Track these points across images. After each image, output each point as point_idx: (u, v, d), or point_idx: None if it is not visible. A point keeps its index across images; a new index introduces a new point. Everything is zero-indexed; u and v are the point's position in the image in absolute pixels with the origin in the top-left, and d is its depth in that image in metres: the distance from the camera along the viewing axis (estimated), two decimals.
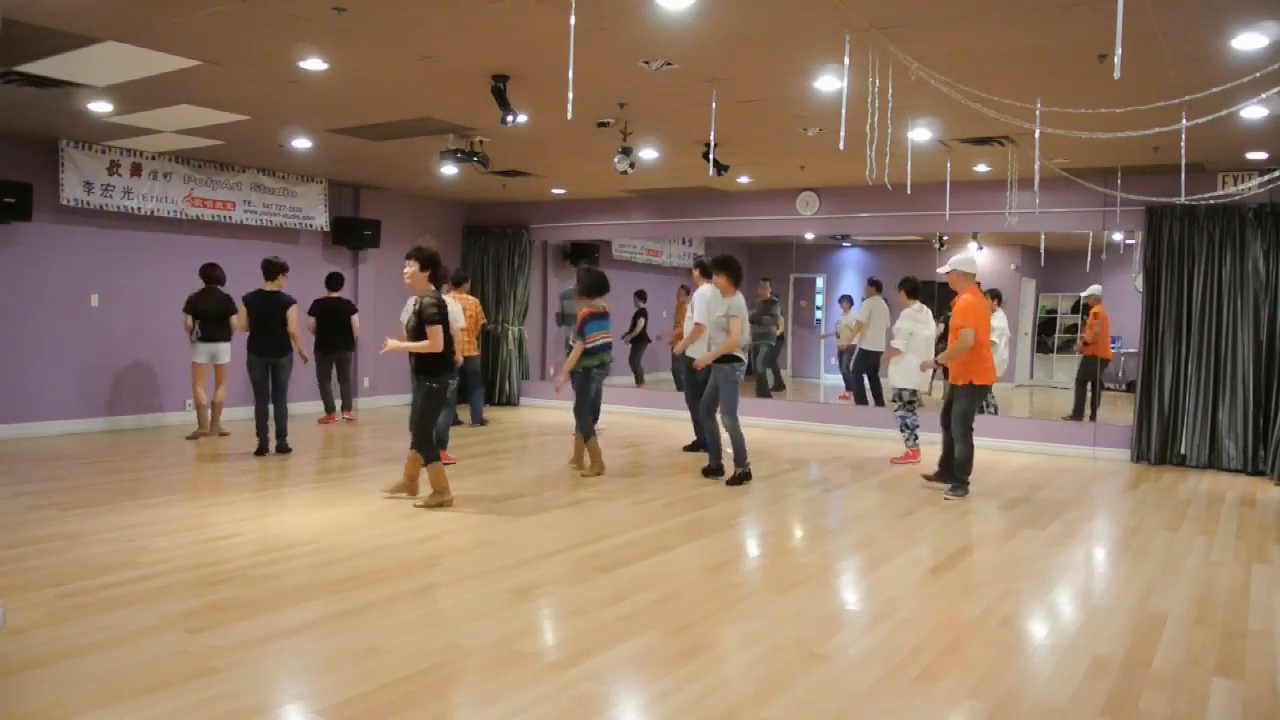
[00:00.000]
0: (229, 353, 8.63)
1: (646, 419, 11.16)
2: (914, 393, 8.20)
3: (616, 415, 11.29)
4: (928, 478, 7.24)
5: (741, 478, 7.02)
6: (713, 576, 4.71)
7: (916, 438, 8.32)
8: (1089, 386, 10.03)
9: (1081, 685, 3.39)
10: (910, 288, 8.19)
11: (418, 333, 5.87)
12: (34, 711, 2.97)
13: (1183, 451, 8.50)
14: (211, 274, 8.50)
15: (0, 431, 8.33)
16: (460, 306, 6.86)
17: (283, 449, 7.90)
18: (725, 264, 7.18)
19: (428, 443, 5.98)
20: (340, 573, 4.55)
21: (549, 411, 11.55)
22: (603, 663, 3.49)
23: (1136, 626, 4.06)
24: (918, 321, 8.06)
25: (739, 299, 7.13)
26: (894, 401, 8.39)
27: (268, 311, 7.85)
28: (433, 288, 5.92)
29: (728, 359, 6.98)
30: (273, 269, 8.01)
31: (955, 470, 6.76)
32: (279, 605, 4.04)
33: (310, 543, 5.09)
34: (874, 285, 10.80)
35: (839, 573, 4.89)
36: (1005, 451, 9.08)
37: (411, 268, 5.90)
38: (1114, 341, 10.71)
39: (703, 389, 7.34)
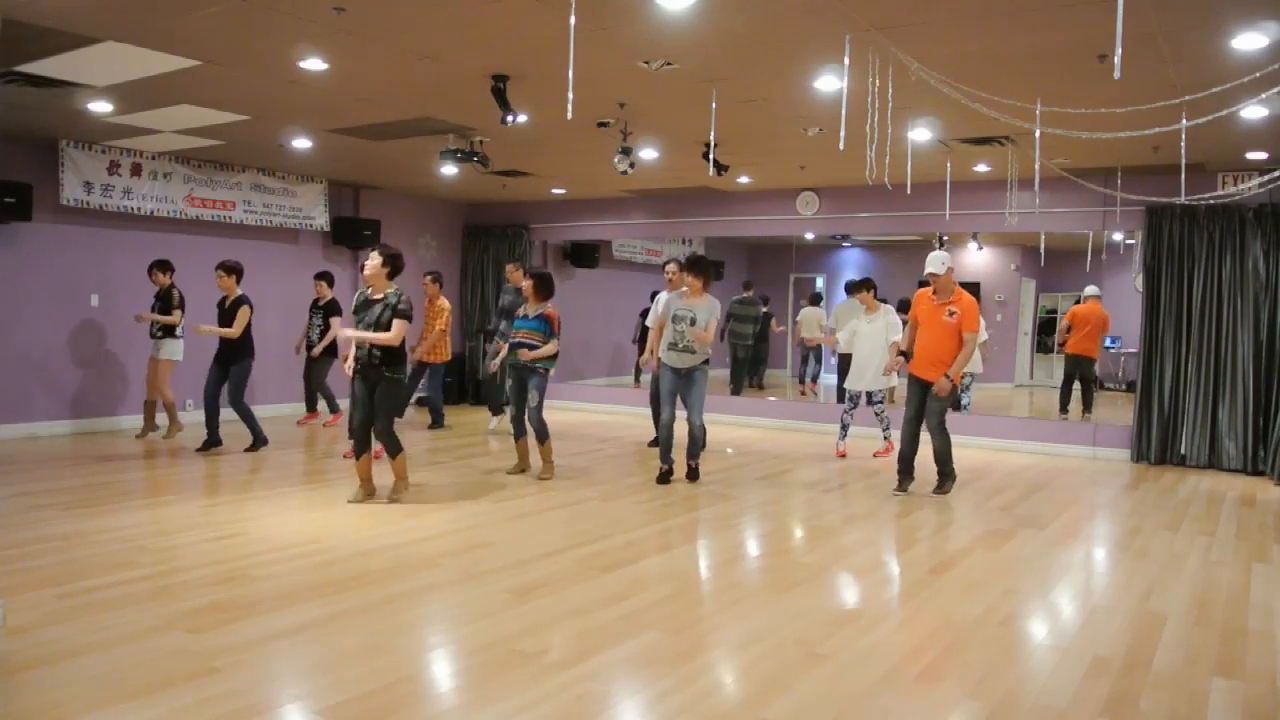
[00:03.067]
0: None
1: (643, 419, 11.14)
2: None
3: (617, 415, 11.30)
4: (900, 491, 6.83)
5: (668, 475, 7.07)
6: (713, 576, 4.70)
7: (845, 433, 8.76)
8: (1069, 382, 10.24)
9: (1081, 685, 3.39)
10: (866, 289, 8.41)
11: (386, 328, 5.84)
12: (34, 711, 2.97)
13: (1183, 451, 8.50)
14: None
15: (0, 431, 8.34)
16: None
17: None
18: (698, 264, 7.00)
19: (394, 435, 6.04)
20: (340, 573, 4.55)
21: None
22: (603, 663, 3.49)
23: (1136, 626, 4.06)
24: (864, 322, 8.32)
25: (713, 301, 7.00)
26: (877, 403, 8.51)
27: None
28: (394, 285, 5.99)
29: (706, 360, 6.96)
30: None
31: (941, 463, 6.74)
32: (279, 605, 4.04)
33: (310, 543, 5.09)
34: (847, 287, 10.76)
35: (839, 573, 4.89)
36: (1005, 451, 9.08)
37: (375, 262, 5.90)
38: (1114, 341, 10.70)
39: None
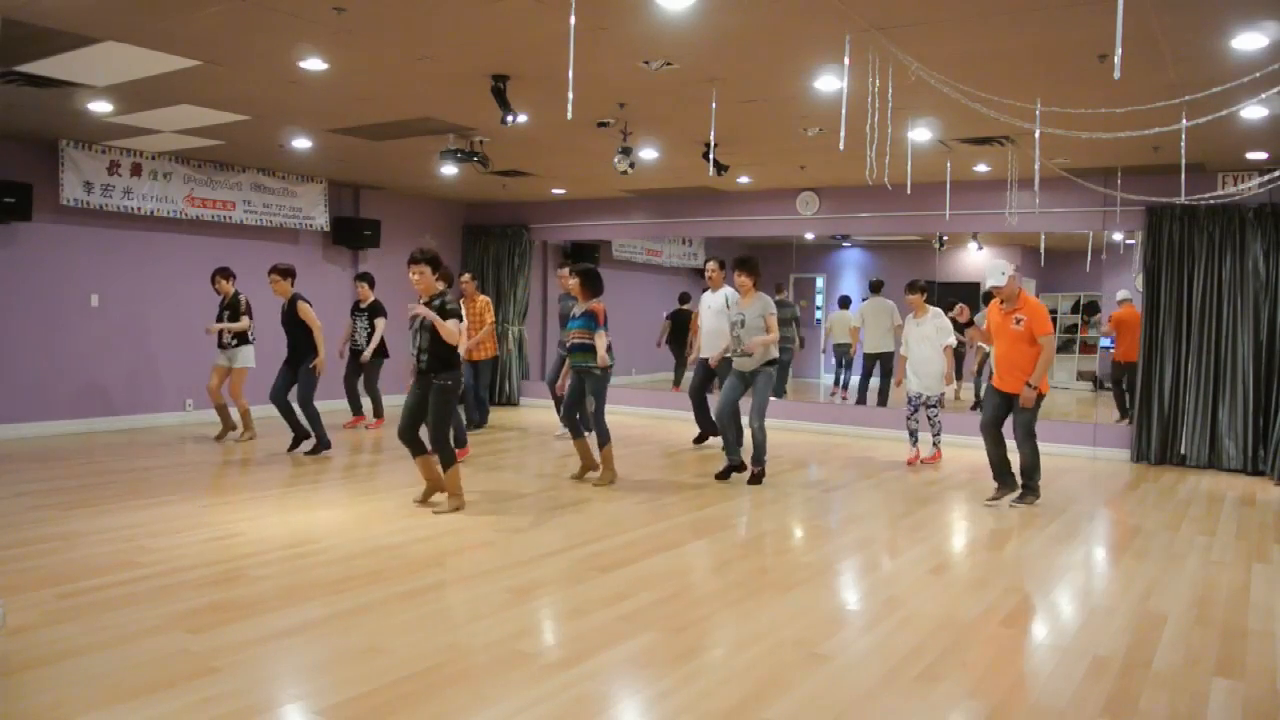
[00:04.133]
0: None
1: (645, 419, 11.16)
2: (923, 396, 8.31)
3: (615, 415, 11.30)
4: (992, 500, 6.70)
5: (759, 476, 7.12)
6: (713, 576, 4.70)
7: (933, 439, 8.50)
8: (1120, 387, 10.17)
9: (1081, 685, 3.39)
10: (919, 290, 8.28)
11: (434, 330, 5.73)
12: (34, 711, 2.97)
13: (1183, 451, 8.50)
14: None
15: (0, 431, 8.34)
16: None
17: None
18: (747, 263, 7.18)
19: (448, 445, 5.90)
20: (340, 573, 4.55)
21: (549, 411, 11.52)
22: (603, 663, 3.49)
23: (1136, 626, 4.06)
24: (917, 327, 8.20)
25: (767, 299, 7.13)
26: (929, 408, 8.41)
27: None
28: (443, 286, 5.89)
29: (773, 361, 7.07)
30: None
31: (1026, 477, 6.61)
32: (279, 605, 4.04)
33: (310, 543, 5.09)
34: (871, 286, 10.80)
35: (839, 573, 4.89)
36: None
37: (423, 271, 5.79)
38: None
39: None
